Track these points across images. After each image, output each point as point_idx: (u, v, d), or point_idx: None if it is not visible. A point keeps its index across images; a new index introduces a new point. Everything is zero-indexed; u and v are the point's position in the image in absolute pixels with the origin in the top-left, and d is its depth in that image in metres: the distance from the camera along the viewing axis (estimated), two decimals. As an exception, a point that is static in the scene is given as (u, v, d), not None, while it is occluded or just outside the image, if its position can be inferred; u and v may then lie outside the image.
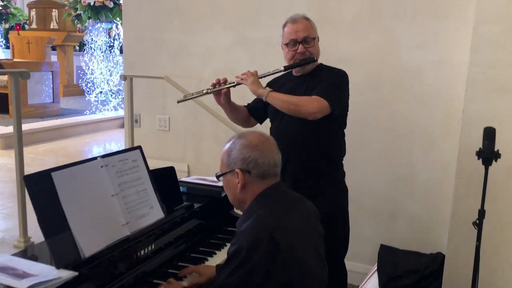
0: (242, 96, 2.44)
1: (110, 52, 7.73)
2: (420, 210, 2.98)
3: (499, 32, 2.39)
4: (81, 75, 8.25)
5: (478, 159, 2.15)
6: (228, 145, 1.52)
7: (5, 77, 6.67)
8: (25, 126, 6.14)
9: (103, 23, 7.10)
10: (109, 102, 7.68)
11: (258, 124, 2.49)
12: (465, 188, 2.57)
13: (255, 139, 1.49)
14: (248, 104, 2.45)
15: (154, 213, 1.79)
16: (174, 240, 1.84)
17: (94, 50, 7.57)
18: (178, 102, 2.35)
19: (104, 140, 6.61)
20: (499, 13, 2.38)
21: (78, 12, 7.21)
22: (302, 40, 2.19)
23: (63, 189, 1.48)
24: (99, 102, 7.63)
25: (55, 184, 1.47)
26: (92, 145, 6.36)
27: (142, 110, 3.91)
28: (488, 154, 2.10)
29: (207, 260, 1.88)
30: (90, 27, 7.74)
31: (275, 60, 3.32)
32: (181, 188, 2.11)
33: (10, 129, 4.88)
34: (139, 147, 1.85)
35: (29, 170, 1.65)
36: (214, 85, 2.26)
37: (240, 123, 2.45)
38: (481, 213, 2.24)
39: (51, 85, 7.30)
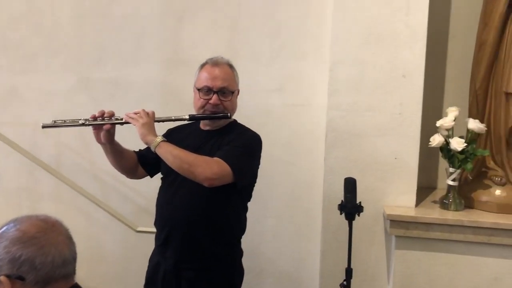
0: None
1: None
2: (289, 267, 2.70)
3: (355, 74, 2.28)
4: None
5: (341, 213, 1.94)
6: None
7: None
8: None
9: None
10: None
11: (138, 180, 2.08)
12: (332, 243, 2.39)
13: (32, 229, 1.04)
14: (140, 150, 1.99)
15: None
16: None
17: None
18: (43, 127, 1.87)
19: None
20: (354, 53, 2.27)
21: None
22: (219, 90, 1.81)
23: None
24: None
25: None
26: None
27: (-38, 165, 3.20)
28: (350, 208, 1.91)
29: None
30: None
31: (123, 105, 2.91)
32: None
33: None
34: None
35: None
36: (95, 118, 1.80)
37: (124, 172, 1.97)
38: (349, 272, 2.03)
39: None
